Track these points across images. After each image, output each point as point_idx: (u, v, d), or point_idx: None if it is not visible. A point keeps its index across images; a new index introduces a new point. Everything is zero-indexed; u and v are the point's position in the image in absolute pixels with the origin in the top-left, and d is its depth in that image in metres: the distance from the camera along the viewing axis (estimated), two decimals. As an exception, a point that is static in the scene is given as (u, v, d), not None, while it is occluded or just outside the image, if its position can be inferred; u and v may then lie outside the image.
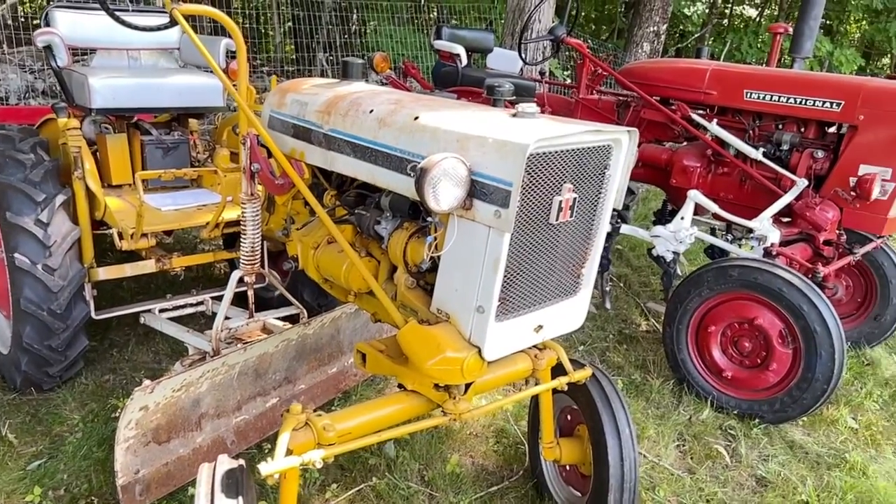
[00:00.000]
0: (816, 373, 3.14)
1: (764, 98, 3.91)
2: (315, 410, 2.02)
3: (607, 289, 4.24)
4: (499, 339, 1.96)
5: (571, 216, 1.95)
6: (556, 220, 1.91)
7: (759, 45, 11.52)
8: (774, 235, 3.67)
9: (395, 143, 2.05)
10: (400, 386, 2.14)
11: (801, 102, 3.79)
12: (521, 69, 5.37)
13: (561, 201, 1.89)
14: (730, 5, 16.78)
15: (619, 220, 4.10)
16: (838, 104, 3.67)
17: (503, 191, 1.76)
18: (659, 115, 4.29)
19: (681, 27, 12.30)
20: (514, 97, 2.46)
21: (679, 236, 3.85)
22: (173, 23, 2.47)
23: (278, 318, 3.09)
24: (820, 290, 3.25)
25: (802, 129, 3.92)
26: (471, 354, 1.92)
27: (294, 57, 11.02)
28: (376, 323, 2.65)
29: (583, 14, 16.00)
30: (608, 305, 4.26)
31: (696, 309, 3.52)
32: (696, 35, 11.55)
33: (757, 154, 3.89)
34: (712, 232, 4.53)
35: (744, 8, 16.00)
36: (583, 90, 4.78)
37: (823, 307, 3.15)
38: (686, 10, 11.44)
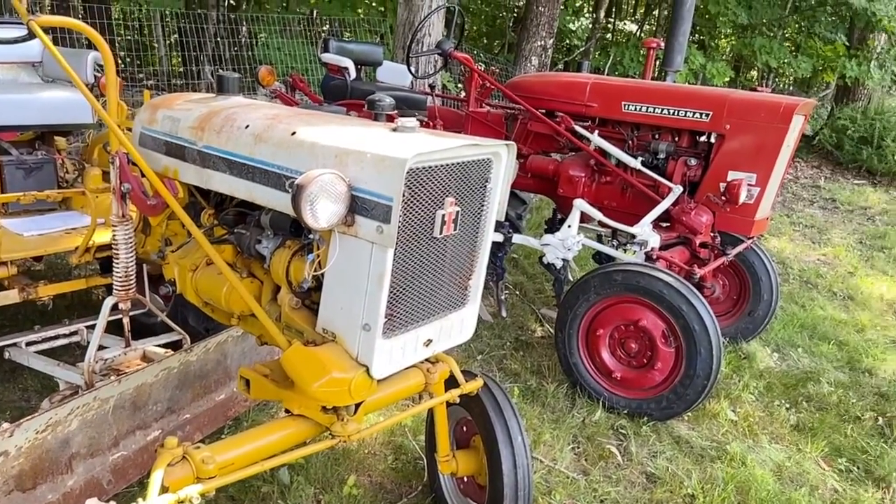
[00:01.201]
0: (697, 369, 3.31)
1: (640, 109, 4.11)
2: (203, 440, 1.92)
3: (503, 298, 4.31)
4: (387, 357, 1.94)
5: (455, 229, 1.95)
6: (440, 233, 1.91)
7: (639, 59, 12.15)
8: (654, 240, 3.85)
9: (273, 160, 1.99)
10: (287, 411, 2.06)
11: (673, 113, 4.01)
12: (412, 82, 5.39)
13: (444, 215, 1.89)
14: (613, 20, 17.65)
15: (510, 231, 4.18)
16: (707, 115, 3.90)
17: (384, 206, 1.74)
18: (544, 127, 4.41)
19: (567, 41, 12.80)
20: (397, 111, 2.45)
21: (567, 244, 3.97)
22: (31, 35, 2.29)
23: (159, 346, 2.92)
24: (698, 290, 3.44)
25: (677, 139, 4.14)
26: (358, 374, 1.88)
27: (181, 70, 10.61)
28: (263, 345, 2.56)
29: (474, 28, 16.35)
30: (504, 314, 4.33)
31: (585, 314, 3.63)
32: (581, 49, 12.05)
33: (636, 163, 4.07)
34: (599, 238, 4.70)
35: (625, 23, 16.89)
36: (472, 104, 4.85)
37: (701, 307, 3.32)
38: (571, 26, 11.92)
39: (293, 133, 1.98)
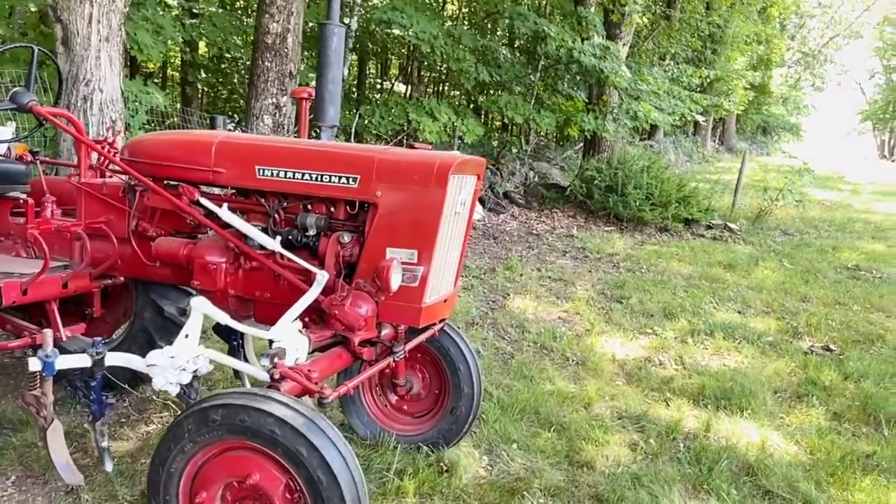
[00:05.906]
0: (331, 537, 2.33)
1: (277, 175, 3.16)
2: None
3: (104, 445, 3.05)
4: None
5: None
6: None
7: (391, 117, 11.69)
8: (301, 345, 2.87)
9: None
10: None
11: (316, 179, 3.11)
12: (9, 147, 4.05)
13: None
14: (371, 78, 17.37)
15: (101, 350, 2.98)
16: (355, 179, 3.05)
17: None
18: (162, 200, 3.33)
19: (313, 99, 12.03)
20: None
21: (178, 363, 2.85)
22: None
23: None
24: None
25: (332, 210, 3.26)
26: None
27: None
28: None
29: (224, 84, 15.08)
30: (109, 466, 3.07)
31: (183, 472, 2.52)
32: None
33: (274, 244, 3.11)
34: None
35: (387, 80, 16.65)
36: (84, 173, 3.65)
37: (328, 448, 2.35)
38: (314, 82, 11.15)
39: None
